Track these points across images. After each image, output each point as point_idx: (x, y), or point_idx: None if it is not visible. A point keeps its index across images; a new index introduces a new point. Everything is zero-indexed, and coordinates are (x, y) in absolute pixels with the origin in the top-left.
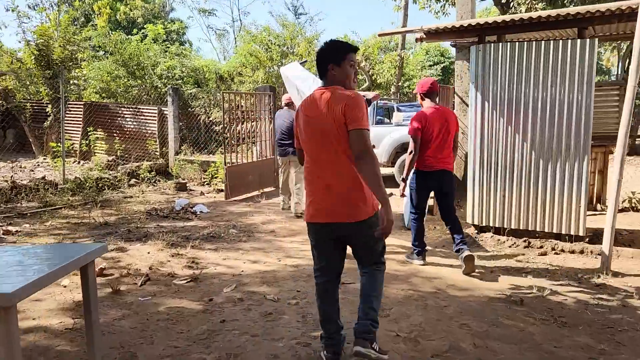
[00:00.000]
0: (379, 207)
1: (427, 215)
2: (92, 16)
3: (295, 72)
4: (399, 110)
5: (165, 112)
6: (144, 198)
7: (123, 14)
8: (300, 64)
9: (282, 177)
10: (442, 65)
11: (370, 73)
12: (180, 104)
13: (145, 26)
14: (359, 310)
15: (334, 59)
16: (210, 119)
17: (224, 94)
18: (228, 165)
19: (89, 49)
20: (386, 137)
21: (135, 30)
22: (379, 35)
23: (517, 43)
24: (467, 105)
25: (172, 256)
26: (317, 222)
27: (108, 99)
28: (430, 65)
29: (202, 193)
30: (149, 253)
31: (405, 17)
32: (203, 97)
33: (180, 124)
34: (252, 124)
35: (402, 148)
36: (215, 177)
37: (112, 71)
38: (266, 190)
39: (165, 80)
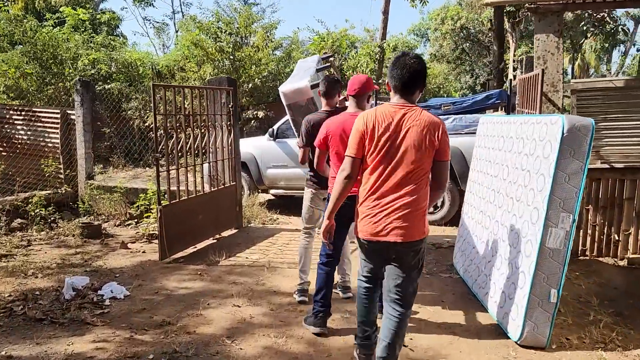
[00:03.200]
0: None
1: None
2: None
3: (305, 63)
4: None
5: (73, 117)
6: (24, 259)
7: (42, 2)
8: (323, 59)
9: None
10: None
11: (340, 68)
12: (109, 106)
13: (61, 9)
14: None
15: None
16: (147, 124)
17: (155, 87)
18: (164, 204)
19: None
20: None
21: (48, 15)
22: None
23: None
24: (555, 105)
25: None
26: None
27: (18, 100)
28: None
29: (124, 244)
30: None
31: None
32: (137, 97)
33: (109, 130)
34: (202, 131)
35: None
36: (147, 216)
37: (20, 65)
38: (225, 234)
39: (90, 77)
